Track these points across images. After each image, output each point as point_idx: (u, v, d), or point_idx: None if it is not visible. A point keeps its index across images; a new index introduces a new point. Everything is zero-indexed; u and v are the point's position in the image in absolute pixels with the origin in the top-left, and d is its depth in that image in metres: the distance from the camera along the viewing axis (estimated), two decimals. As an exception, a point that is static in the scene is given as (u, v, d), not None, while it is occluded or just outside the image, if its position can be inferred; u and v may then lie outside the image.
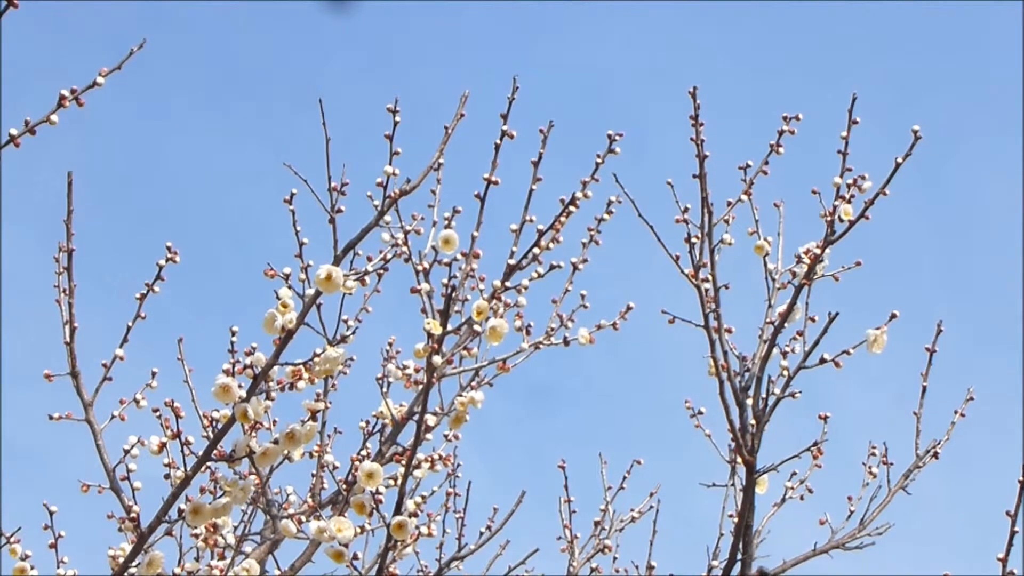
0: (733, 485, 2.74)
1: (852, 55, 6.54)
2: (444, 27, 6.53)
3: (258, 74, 6.59)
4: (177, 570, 2.32)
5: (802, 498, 2.86)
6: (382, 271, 2.47)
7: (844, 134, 2.34)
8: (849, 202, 2.34)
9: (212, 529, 2.32)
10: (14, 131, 1.92)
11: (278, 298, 2.04)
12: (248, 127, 6.48)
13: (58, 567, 2.32)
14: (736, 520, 2.38)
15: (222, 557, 2.37)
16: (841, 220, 2.35)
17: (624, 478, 3.05)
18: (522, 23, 6.70)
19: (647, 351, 4.82)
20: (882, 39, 6.68)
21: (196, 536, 2.34)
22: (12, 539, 2.31)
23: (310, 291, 2.05)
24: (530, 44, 6.65)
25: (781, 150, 2.46)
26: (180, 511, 2.07)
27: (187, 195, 6.24)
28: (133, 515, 2.15)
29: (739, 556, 2.34)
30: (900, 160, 2.33)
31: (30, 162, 2.04)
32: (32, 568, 2.30)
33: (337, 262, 2.05)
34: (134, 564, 2.09)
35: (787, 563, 2.62)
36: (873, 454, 2.86)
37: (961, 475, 4.35)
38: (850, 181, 2.35)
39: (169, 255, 2.53)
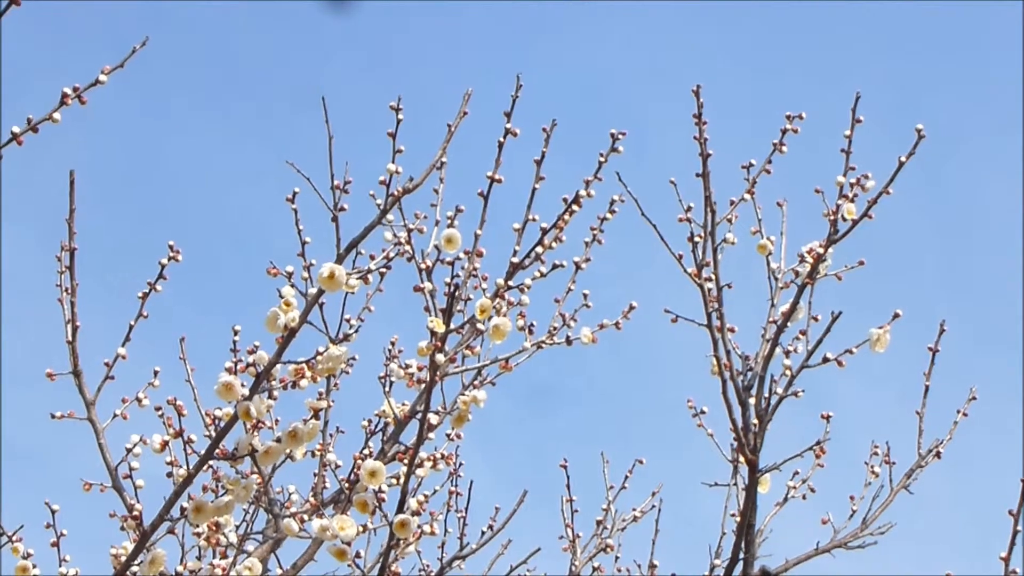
0: (735, 484, 2.74)
1: (853, 55, 6.54)
2: (444, 27, 6.53)
3: (258, 74, 6.59)
4: (179, 569, 2.31)
5: (804, 497, 2.86)
6: (385, 270, 2.48)
7: (848, 133, 2.34)
8: (852, 201, 2.34)
9: (214, 528, 2.31)
10: (16, 129, 1.91)
11: (280, 296, 2.04)
12: (249, 127, 6.49)
13: (60, 566, 2.32)
14: (738, 519, 2.38)
15: (224, 556, 2.36)
16: (844, 219, 2.35)
17: (626, 477, 3.04)
18: (522, 23, 6.70)
19: (650, 350, 4.81)
20: (882, 39, 6.68)
21: (198, 535, 2.34)
22: (14, 538, 2.30)
23: (312, 290, 2.04)
24: (531, 44, 6.65)
25: (784, 149, 2.45)
26: (182, 510, 2.07)
27: (189, 194, 6.24)
28: (135, 514, 2.15)
29: (741, 555, 2.34)
30: (903, 159, 2.33)
31: (31, 161, 2.04)
32: (34, 567, 2.30)
33: (340, 260, 2.05)
34: (136, 563, 2.09)
35: (789, 562, 2.62)
36: (875, 453, 2.86)
37: (963, 474, 4.34)
38: (853, 180, 2.34)
39: (171, 254, 2.53)
